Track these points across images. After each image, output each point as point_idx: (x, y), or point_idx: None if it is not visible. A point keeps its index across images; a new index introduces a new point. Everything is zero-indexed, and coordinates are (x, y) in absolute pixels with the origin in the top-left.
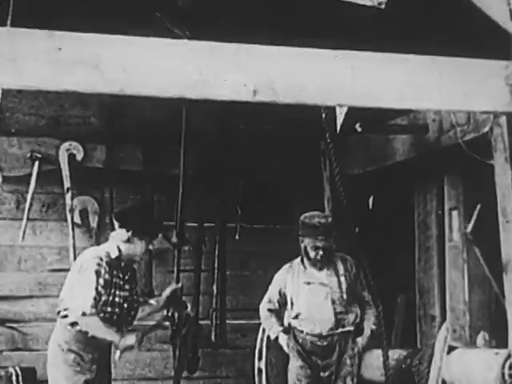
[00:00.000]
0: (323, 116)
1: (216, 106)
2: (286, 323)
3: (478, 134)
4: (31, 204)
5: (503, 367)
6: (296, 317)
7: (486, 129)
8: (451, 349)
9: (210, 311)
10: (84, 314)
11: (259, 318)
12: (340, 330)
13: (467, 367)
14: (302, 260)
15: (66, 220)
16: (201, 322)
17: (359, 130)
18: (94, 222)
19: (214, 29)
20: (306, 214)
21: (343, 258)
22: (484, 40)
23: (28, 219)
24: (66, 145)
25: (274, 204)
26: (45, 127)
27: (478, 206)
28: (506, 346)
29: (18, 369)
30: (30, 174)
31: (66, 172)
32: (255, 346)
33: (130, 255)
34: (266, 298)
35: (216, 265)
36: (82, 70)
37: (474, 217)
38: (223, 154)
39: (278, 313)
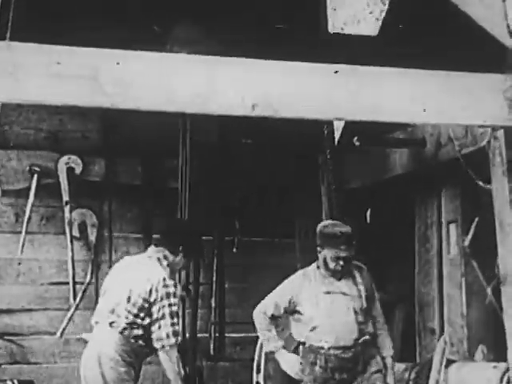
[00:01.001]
0: (325, 132)
1: (215, 119)
2: (298, 338)
3: (476, 147)
4: (30, 217)
5: (501, 381)
6: (313, 329)
7: (484, 143)
8: (449, 362)
9: (208, 324)
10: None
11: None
12: (362, 339)
13: (465, 381)
14: (318, 268)
15: (64, 233)
16: (199, 336)
17: (357, 143)
18: (92, 235)
19: (213, 43)
20: (325, 223)
21: (358, 266)
22: (482, 54)
23: (27, 232)
24: (64, 158)
25: (272, 217)
26: (44, 141)
27: (476, 220)
28: (504, 359)
29: (16, 382)
30: (29, 188)
31: (64, 185)
32: (254, 359)
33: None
34: (270, 302)
35: (214, 278)
36: (81, 84)
37: (472, 230)
38: (222, 168)
39: (278, 322)
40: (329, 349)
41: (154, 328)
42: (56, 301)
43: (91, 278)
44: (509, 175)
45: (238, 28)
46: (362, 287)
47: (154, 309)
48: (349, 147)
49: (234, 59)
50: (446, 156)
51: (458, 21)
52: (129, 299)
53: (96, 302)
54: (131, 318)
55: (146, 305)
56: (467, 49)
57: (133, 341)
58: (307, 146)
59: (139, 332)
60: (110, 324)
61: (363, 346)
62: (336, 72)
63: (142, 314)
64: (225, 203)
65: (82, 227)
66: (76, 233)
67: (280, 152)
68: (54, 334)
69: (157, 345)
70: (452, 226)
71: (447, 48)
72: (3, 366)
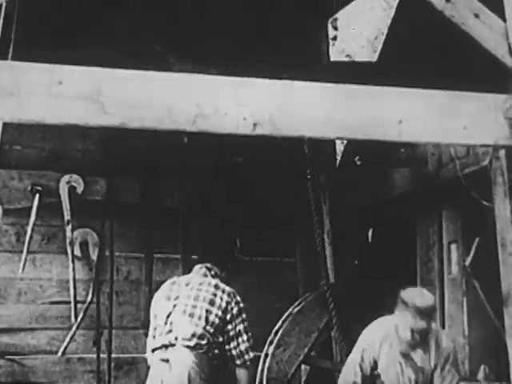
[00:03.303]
0: (306, 151)
1: (216, 138)
2: None
3: (478, 167)
4: (31, 236)
5: None
6: None
7: (486, 162)
8: None
9: None
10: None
11: (259, 350)
12: None
13: None
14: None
15: (66, 252)
16: None
17: (358, 163)
18: (93, 254)
19: (214, 62)
20: (408, 294)
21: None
22: (483, 74)
23: (28, 251)
24: (66, 177)
25: (272, 237)
26: (45, 160)
27: (477, 239)
28: (506, 379)
29: None
30: (31, 207)
31: (66, 204)
32: (256, 377)
33: None
34: (355, 368)
35: None
36: (83, 103)
37: (473, 250)
38: (223, 187)
39: None
40: None
41: (233, 345)
42: (57, 320)
43: (92, 297)
44: (510, 195)
45: (239, 47)
46: (432, 362)
47: (230, 327)
48: (351, 167)
49: (235, 78)
50: (447, 175)
51: (460, 40)
52: (207, 320)
53: (99, 321)
54: (211, 338)
55: (222, 324)
56: (468, 68)
57: (214, 362)
58: (309, 166)
59: (217, 351)
60: (194, 347)
61: None
62: (336, 90)
63: (218, 333)
64: (225, 222)
65: (84, 246)
66: (77, 252)
67: (282, 171)
68: (56, 353)
69: (238, 361)
70: (453, 246)
71: (448, 68)
72: None
